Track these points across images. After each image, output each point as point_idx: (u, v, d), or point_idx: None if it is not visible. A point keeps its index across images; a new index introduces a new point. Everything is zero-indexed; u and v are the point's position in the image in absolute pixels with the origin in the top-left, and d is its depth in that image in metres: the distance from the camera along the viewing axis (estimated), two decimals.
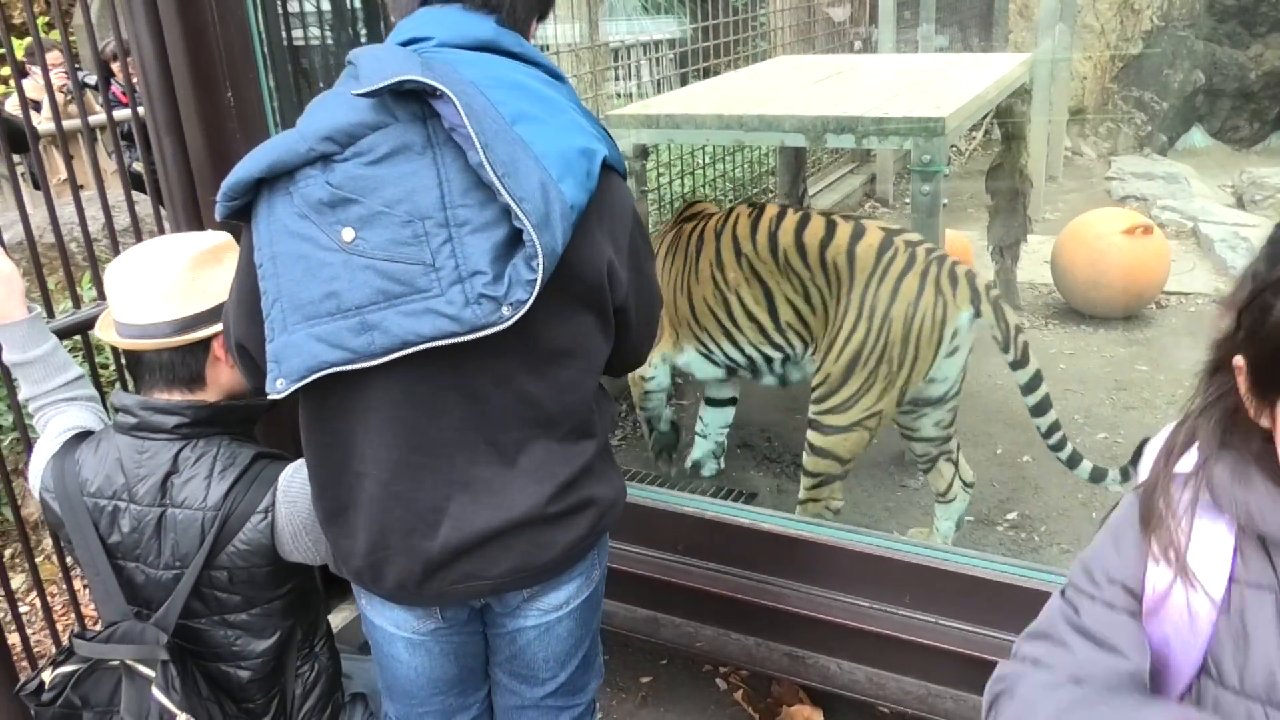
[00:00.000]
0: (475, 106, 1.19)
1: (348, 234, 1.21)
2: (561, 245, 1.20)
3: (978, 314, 2.74)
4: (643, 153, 3.59)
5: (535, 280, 1.17)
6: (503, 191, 1.17)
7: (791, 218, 2.94)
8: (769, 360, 3.05)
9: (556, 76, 1.35)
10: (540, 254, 1.17)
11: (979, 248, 4.69)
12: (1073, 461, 2.84)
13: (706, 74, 4.95)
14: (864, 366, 2.76)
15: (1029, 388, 2.83)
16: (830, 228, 2.86)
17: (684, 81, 4.88)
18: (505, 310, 1.18)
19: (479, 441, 1.31)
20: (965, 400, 3.73)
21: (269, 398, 1.29)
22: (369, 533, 1.37)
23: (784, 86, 3.89)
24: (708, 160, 4.97)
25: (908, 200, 3.63)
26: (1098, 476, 2.83)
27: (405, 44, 1.28)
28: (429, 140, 1.22)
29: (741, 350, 3.05)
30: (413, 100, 1.22)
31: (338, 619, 2.72)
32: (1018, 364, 2.81)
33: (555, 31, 4.20)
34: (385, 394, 1.29)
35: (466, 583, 1.37)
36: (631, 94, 5.11)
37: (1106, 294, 4.32)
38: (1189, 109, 7.80)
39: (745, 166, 5.28)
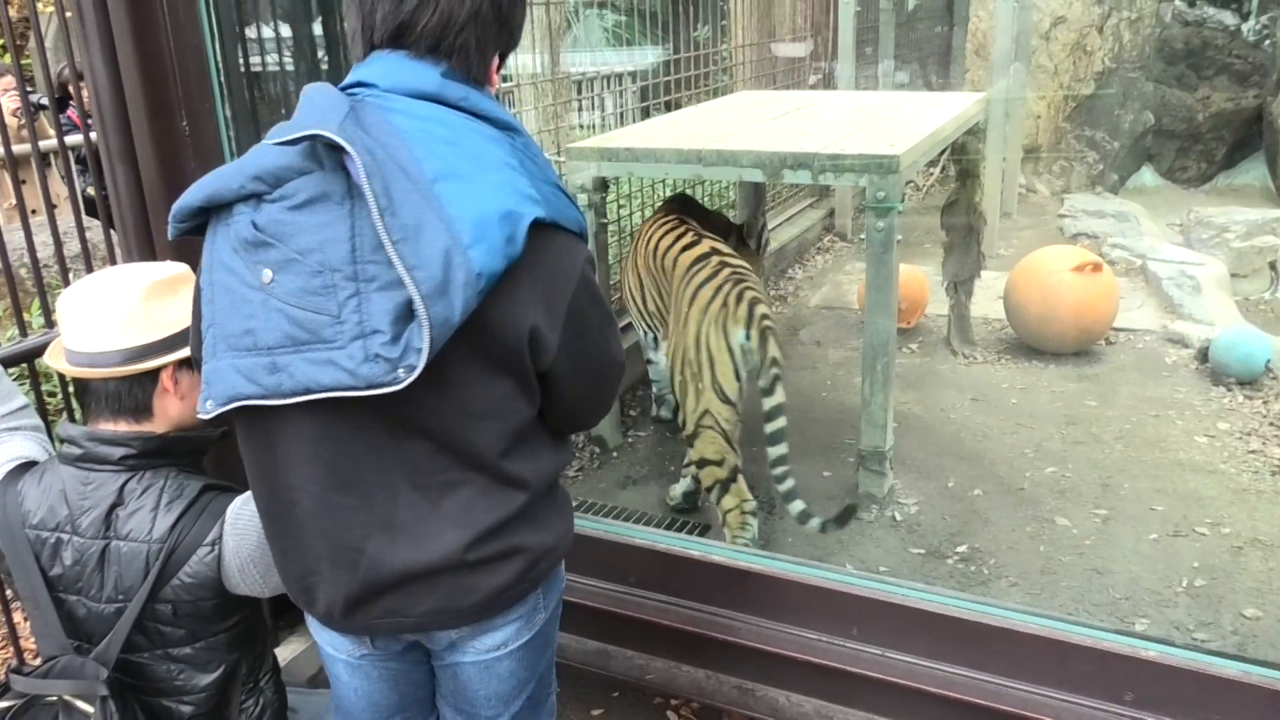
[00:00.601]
0: (389, 165, 1.19)
1: (266, 275, 1.24)
2: (460, 314, 1.17)
3: (747, 337, 3.01)
4: (602, 185, 3.62)
5: (423, 349, 1.17)
6: (394, 259, 1.16)
7: (665, 223, 3.45)
8: (649, 336, 3.71)
9: (508, 128, 1.32)
10: (428, 324, 1.16)
11: (934, 282, 4.77)
12: (788, 497, 3.07)
13: (669, 107, 5.01)
14: (680, 369, 3.14)
15: (769, 416, 3.05)
16: (679, 237, 3.32)
17: (646, 114, 4.93)
18: (400, 372, 1.18)
19: (401, 484, 1.31)
20: (918, 435, 3.79)
21: (207, 423, 1.32)
22: (300, 558, 1.39)
23: (743, 122, 3.95)
24: (669, 193, 5.01)
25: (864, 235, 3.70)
26: (804, 519, 3.04)
27: (351, 87, 1.29)
28: (349, 191, 1.21)
29: (642, 323, 3.69)
30: (338, 149, 1.22)
31: (285, 652, 2.68)
32: (765, 392, 3.04)
33: (517, 63, 4.23)
34: (307, 430, 1.30)
35: (390, 618, 1.38)
36: (594, 125, 5.15)
37: (1057, 329, 4.40)
38: (1139, 149, 8.00)
39: (706, 200, 5.33)
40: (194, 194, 1.30)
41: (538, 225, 1.23)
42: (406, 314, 1.19)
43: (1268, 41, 7.72)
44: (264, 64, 2.66)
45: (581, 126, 5.00)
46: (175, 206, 1.31)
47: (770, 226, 5.62)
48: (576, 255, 1.32)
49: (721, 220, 3.86)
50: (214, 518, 1.67)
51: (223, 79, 2.42)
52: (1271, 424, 3.77)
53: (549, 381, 1.36)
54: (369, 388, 1.19)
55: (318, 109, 1.24)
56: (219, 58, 2.40)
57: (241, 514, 1.68)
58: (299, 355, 1.22)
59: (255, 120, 2.58)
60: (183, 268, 1.77)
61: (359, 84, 1.30)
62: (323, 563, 1.37)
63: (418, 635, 1.46)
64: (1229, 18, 7.90)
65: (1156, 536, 3.09)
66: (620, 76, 5.61)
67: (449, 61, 1.30)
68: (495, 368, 1.28)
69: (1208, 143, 7.92)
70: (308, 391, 1.22)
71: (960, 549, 3.08)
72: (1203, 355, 4.31)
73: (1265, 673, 1.75)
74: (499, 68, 1.40)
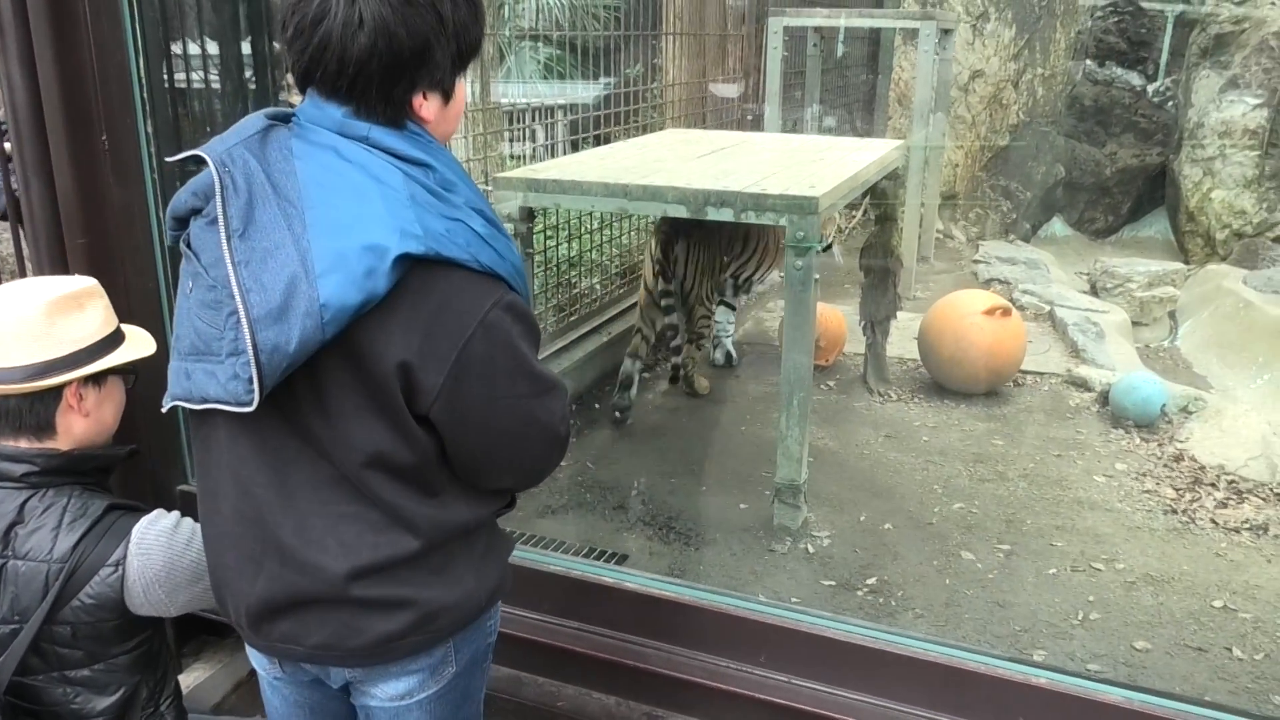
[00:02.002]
0: (264, 188, 1.23)
1: (188, 286, 1.31)
2: (297, 343, 1.18)
3: None
4: (529, 215, 3.66)
5: (252, 377, 1.20)
6: (231, 280, 1.20)
7: None
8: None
9: (419, 164, 1.28)
10: (253, 348, 1.18)
11: (851, 322, 4.90)
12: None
13: (599, 141, 5.08)
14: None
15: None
16: None
17: (577, 147, 4.99)
18: (254, 394, 1.21)
19: (298, 505, 1.32)
20: (833, 470, 3.89)
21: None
22: (215, 562, 1.43)
23: (669, 158, 4.03)
24: (596, 225, 5.08)
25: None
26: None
27: (285, 118, 1.33)
28: None
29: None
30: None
31: (189, 679, 2.63)
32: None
33: None
34: (224, 438, 1.34)
35: (285, 643, 1.39)
36: (524, 156, 5.19)
37: (968, 370, 4.55)
38: (1050, 200, 8.33)
39: (633, 233, 5.41)
40: (171, 204, 1.36)
41: (423, 262, 1.21)
42: None
43: (1171, 103, 8.13)
44: (189, 81, 2.64)
45: (513, 157, 5.03)
46: (168, 212, 1.38)
47: None
48: (476, 296, 1.26)
49: None
50: (118, 538, 1.65)
51: (145, 95, 2.40)
52: (1165, 465, 3.95)
53: (438, 429, 1.31)
54: (236, 404, 1.23)
55: (233, 131, 1.32)
56: (143, 73, 2.39)
57: (147, 534, 1.67)
58: (198, 364, 1.27)
59: (179, 137, 2.56)
60: (90, 282, 1.75)
61: (294, 115, 1.34)
62: (230, 571, 1.39)
63: (314, 669, 1.45)
64: (1136, 78, 8.31)
65: (1055, 571, 3.21)
66: (552, 109, 5.67)
67: (349, 108, 1.29)
68: (371, 404, 1.27)
69: (1114, 196, 8.29)
70: (204, 400, 1.27)
71: (870, 581, 3.16)
72: (1103, 399, 4.49)
73: (1146, 699, 1.84)
74: (445, 101, 1.34)
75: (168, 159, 1.30)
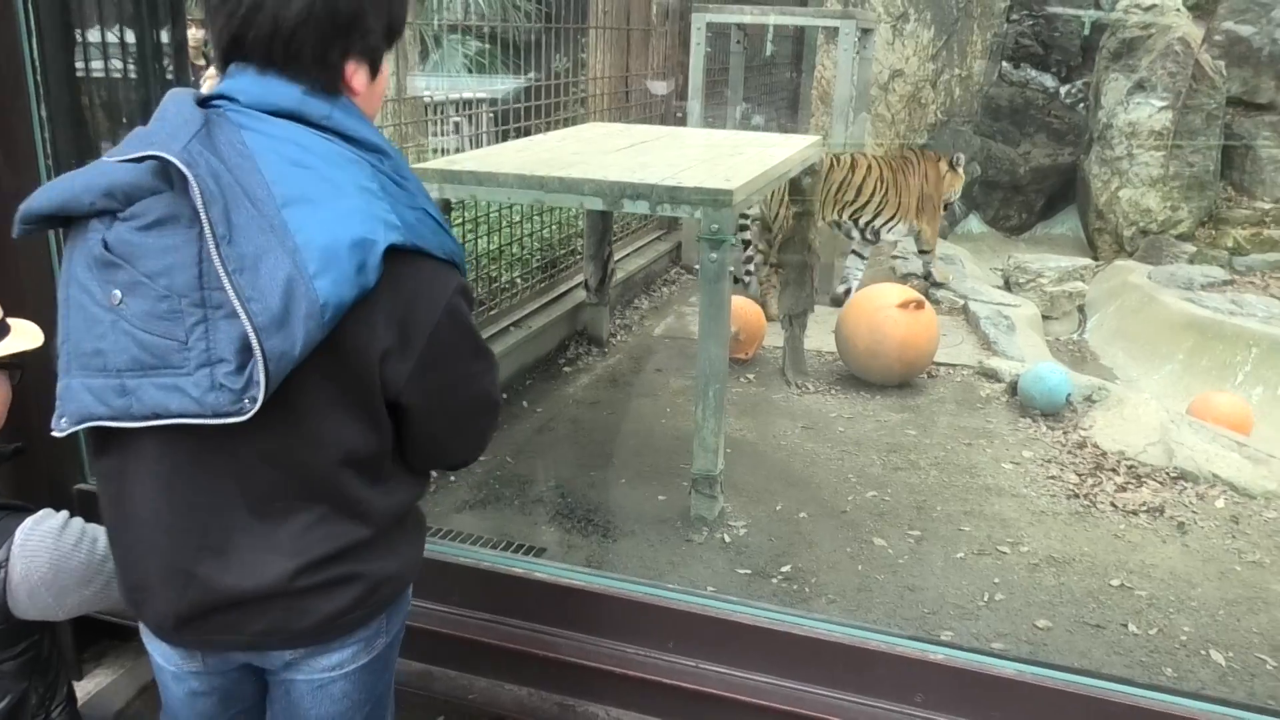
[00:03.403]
0: (234, 190, 1.17)
1: (115, 296, 1.22)
2: (301, 347, 1.16)
3: None
4: (445, 207, 3.63)
5: (260, 384, 1.16)
6: (229, 290, 1.15)
7: None
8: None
9: (375, 150, 1.29)
10: (262, 359, 1.15)
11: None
12: None
13: (523, 133, 5.06)
14: None
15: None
16: None
17: (503, 138, 4.97)
18: (245, 402, 1.18)
19: (240, 508, 1.30)
20: (750, 461, 3.94)
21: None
22: (133, 569, 1.38)
23: (588, 151, 4.03)
24: (518, 218, 5.06)
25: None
26: None
27: (215, 99, 1.27)
28: (196, 214, 1.18)
29: None
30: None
31: (90, 685, 2.57)
32: None
33: None
34: (153, 452, 1.29)
35: (221, 635, 1.37)
36: (447, 149, 5.14)
37: (883, 363, 4.65)
38: (967, 198, 8.53)
39: (555, 226, 5.40)
40: (44, 200, 1.25)
41: (397, 251, 1.21)
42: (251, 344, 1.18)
43: (1081, 104, 8.40)
44: (106, 69, 2.57)
45: (435, 150, 4.99)
46: (24, 208, 1.27)
47: (618, 257, 5.73)
48: (443, 284, 1.29)
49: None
50: (0, 539, 1.60)
51: (39, 78, 2.33)
52: (1069, 452, 4.08)
53: (402, 414, 1.34)
54: (215, 416, 1.19)
55: (168, 124, 1.23)
56: (36, 57, 2.32)
57: (32, 535, 1.62)
58: (147, 379, 1.21)
59: (80, 123, 2.49)
60: None
61: (222, 97, 1.26)
62: (153, 579, 1.35)
63: (250, 655, 1.44)
64: (1049, 80, 8.57)
65: (963, 555, 3.30)
66: (476, 102, 5.64)
67: (302, 83, 1.27)
68: (345, 397, 1.27)
69: (1028, 195, 8.53)
70: (156, 416, 1.21)
71: (785, 569, 3.21)
72: (1013, 389, 4.63)
73: (1038, 671, 1.91)
74: (372, 75, 1.34)
75: (121, 159, 1.20)
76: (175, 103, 1.26)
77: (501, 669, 2.22)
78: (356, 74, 1.31)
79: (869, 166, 6.02)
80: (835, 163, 5.95)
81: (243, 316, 1.15)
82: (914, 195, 6.07)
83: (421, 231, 1.26)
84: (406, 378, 1.28)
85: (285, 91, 1.25)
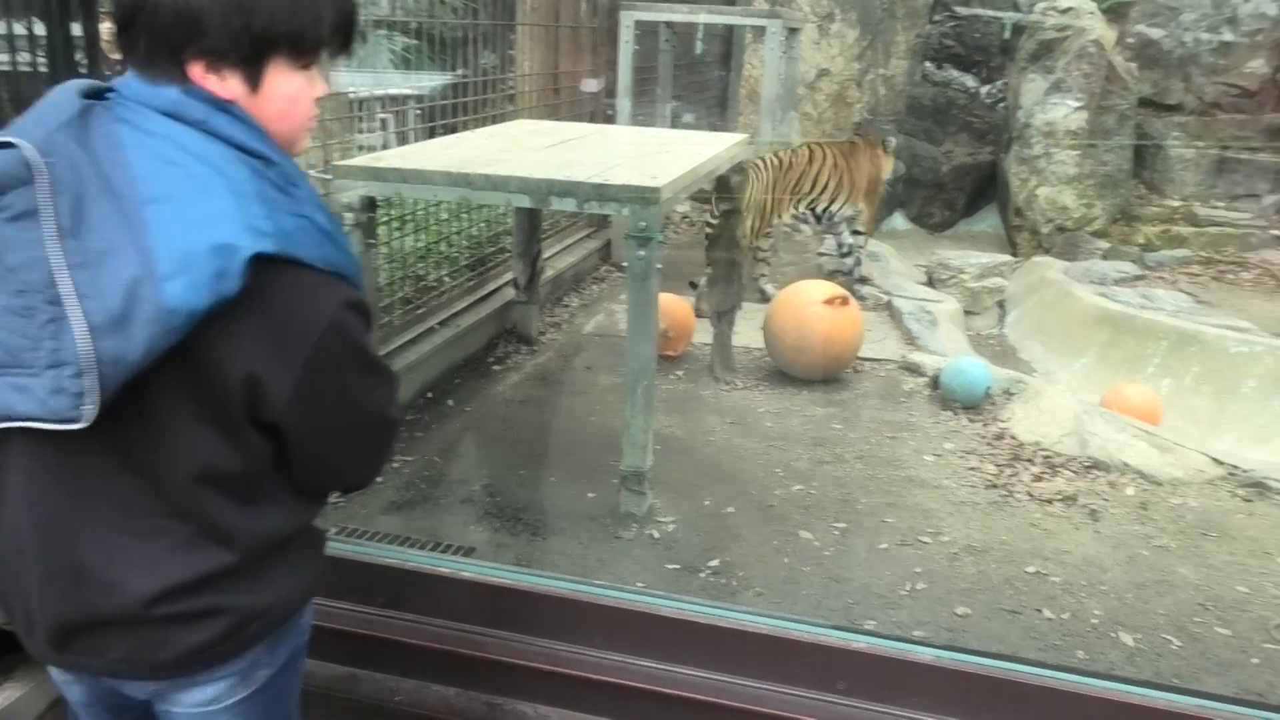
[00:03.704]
0: (92, 183, 1.13)
1: None
2: (142, 352, 1.10)
3: None
4: (370, 205, 3.59)
5: (90, 389, 1.10)
6: (63, 285, 1.10)
7: None
8: None
9: (259, 156, 1.22)
10: (94, 361, 1.10)
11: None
12: None
13: (452, 130, 5.02)
14: None
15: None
16: None
17: (431, 135, 4.92)
18: (86, 408, 1.12)
19: (98, 524, 1.25)
20: (679, 457, 3.97)
21: None
22: (3, 577, 1.33)
23: (516, 149, 4.02)
24: (446, 216, 5.02)
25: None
26: None
27: (99, 93, 1.22)
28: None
29: None
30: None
31: (3, 696, 2.48)
32: None
33: None
34: (18, 457, 1.25)
35: (78, 657, 1.32)
36: (374, 146, 5.08)
37: (810, 358, 4.72)
38: (892, 196, 8.70)
39: (483, 225, 5.37)
40: None
41: (269, 261, 1.15)
42: None
43: (1001, 104, 8.61)
44: (14, 64, 2.49)
45: (361, 147, 4.92)
46: None
47: (547, 255, 5.72)
48: (326, 298, 1.21)
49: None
50: None
51: None
52: (988, 444, 4.19)
53: (281, 435, 1.26)
54: (58, 421, 1.13)
55: (40, 112, 1.20)
56: None
57: None
58: (2, 378, 1.15)
59: None
60: None
61: (109, 90, 1.22)
62: (11, 593, 1.32)
63: (112, 681, 1.37)
64: (970, 81, 8.77)
65: (887, 546, 3.37)
66: (404, 98, 5.57)
67: (157, 71, 1.22)
68: (205, 412, 1.20)
69: (950, 193, 8.72)
70: (7, 418, 1.15)
71: (713, 563, 3.24)
72: (934, 383, 4.74)
73: (954, 656, 1.97)
74: (249, 83, 1.24)
75: None
76: (58, 91, 1.23)
77: (428, 670, 2.21)
78: (215, 81, 1.23)
79: (824, 156, 6.33)
80: (794, 158, 6.21)
81: (76, 314, 1.10)
82: (863, 177, 6.42)
83: (300, 240, 1.19)
84: (285, 398, 1.21)
85: (164, 91, 1.21)
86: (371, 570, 2.22)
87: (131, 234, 1.11)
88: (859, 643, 2.01)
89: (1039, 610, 3.05)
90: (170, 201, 1.14)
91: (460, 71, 5.47)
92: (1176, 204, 7.81)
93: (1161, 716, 1.89)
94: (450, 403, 4.41)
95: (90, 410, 1.12)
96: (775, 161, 6.10)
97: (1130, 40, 8.02)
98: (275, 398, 1.20)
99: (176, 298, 1.10)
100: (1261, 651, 2.92)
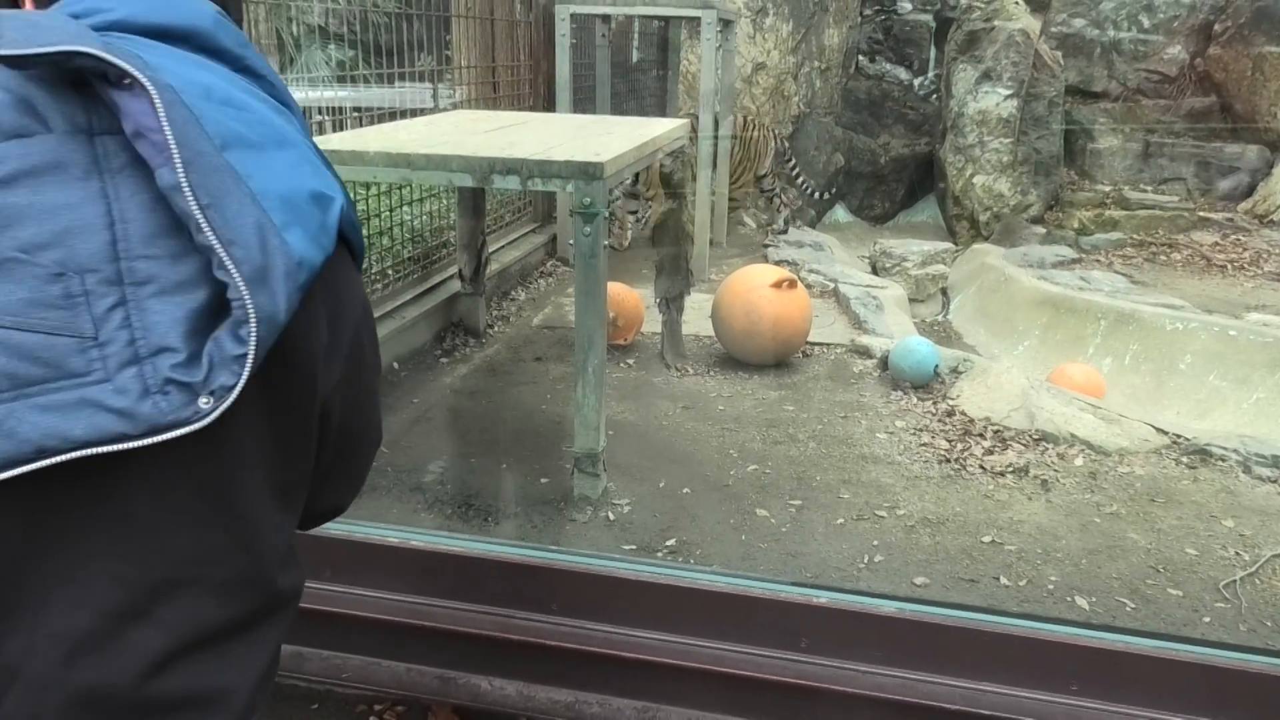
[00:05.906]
0: (175, 112, 0.84)
1: None
2: (286, 312, 0.85)
3: None
4: None
5: (246, 355, 0.83)
6: (204, 226, 0.82)
7: None
8: None
9: (286, 104, 1.02)
10: (253, 319, 0.83)
11: (648, 300, 4.98)
12: None
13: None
14: None
15: None
16: None
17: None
18: (204, 402, 0.83)
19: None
20: (633, 442, 3.93)
21: None
22: None
23: (457, 133, 3.95)
24: (389, 209, 4.92)
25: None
26: None
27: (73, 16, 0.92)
28: (95, 162, 0.84)
29: None
30: (75, 100, 0.86)
31: None
32: None
33: None
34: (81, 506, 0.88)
35: None
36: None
37: (759, 342, 4.71)
38: (832, 188, 8.77)
39: (426, 217, 5.28)
40: None
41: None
42: (206, 324, 0.84)
43: (935, 96, 8.74)
44: None
45: None
46: None
47: (493, 248, 5.65)
48: (359, 277, 1.06)
49: None
50: None
51: None
52: (939, 420, 4.21)
53: (325, 426, 1.02)
54: (150, 433, 0.81)
55: (44, 30, 0.85)
56: None
57: None
58: (24, 401, 0.80)
59: None
60: None
61: (84, 13, 0.91)
62: None
63: None
64: (903, 73, 8.89)
65: (843, 521, 3.36)
66: (340, 106, 5.46)
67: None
68: (283, 405, 0.95)
69: (889, 184, 8.83)
70: (41, 454, 0.79)
71: (670, 543, 3.19)
72: (883, 364, 4.75)
73: (916, 608, 1.94)
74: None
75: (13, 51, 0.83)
76: (40, 13, 0.91)
77: (377, 644, 2.13)
78: None
79: (744, 124, 7.45)
80: (739, 140, 7.18)
81: (227, 263, 0.83)
82: (768, 142, 7.59)
83: (351, 207, 1.00)
84: (335, 384, 1.01)
85: (200, 9, 0.96)
86: (317, 542, 2.12)
87: (230, 178, 0.86)
88: (820, 598, 1.98)
89: (996, 578, 3.05)
90: (250, 147, 0.90)
91: (396, 71, 5.39)
92: (1107, 189, 7.98)
93: (1116, 656, 1.89)
94: (396, 395, 4.31)
95: (223, 402, 0.83)
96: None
97: (1054, 29, 8.19)
98: (328, 383, 0.99)
99: (300, 249, 0.87)
100: (1213, 610, 2.95)
